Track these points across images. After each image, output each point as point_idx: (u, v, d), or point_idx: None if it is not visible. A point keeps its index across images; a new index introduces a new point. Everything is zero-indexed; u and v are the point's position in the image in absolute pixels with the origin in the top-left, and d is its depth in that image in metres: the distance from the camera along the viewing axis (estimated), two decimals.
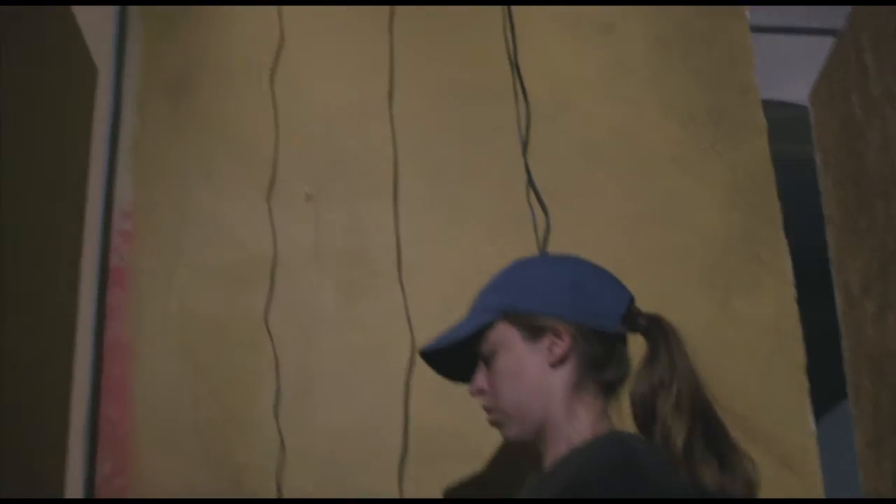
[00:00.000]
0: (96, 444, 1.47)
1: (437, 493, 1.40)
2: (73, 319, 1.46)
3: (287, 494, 1.40)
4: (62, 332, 1.44)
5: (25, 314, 1.34)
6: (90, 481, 1.47)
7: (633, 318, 1.05)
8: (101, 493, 1.46)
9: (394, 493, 1.40)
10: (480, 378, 1.09)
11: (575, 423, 1.02)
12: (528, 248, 1.48)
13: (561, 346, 1.02)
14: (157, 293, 1.49)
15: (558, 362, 1.02)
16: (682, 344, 1.01)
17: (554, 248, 1.47)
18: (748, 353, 1.47)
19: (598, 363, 1.03)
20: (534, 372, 1.03)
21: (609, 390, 1.04)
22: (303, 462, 1.41)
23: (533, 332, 1.04)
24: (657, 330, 1.02)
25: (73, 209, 1.49)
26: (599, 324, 1.03)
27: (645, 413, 0.97)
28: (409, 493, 1.40)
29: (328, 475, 1.40)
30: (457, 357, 1.11)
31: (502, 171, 1.52)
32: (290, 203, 1.51)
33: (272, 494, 1.40)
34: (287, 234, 1.50)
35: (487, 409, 1.08)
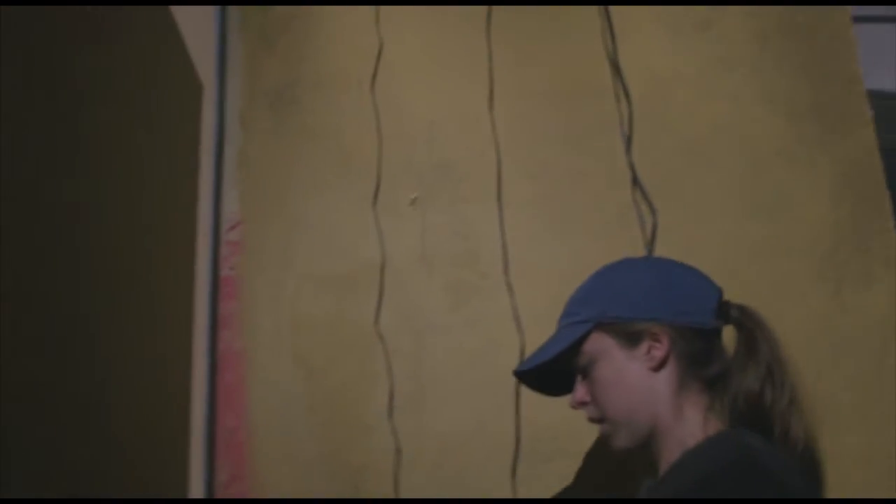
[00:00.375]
0: (214, 451, 1.49)
1: (550, 493, 1.40)
2: (189, 329, 1.49)
3: (404, 496, 1.40)
4: (180, 342, 1.47)
5: (146, 325, 1.38)
6: (209, 489, 1.49)
7: (726, 311, 1.04)
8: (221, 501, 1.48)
9: (507, 493, 1.40)
10: (581, 390, 1.08)
11: (685, 424, 1.00)
12: (635, 246, 1.48)
13: (660, 349, 1.01)
14: (267, 301, 1.52)
15: (659, 365, 1.01)
16: (775, 337, 1.00)
17: (662, 244, 1.47)
18: (860, 345, 1.45)
19: (700, 360, 1.02)
20: (635, 378, 1.02)
21: (712, 386, 1.02)
22: (418, 464, 1.42)
23: (629, 338, 1.03)
24: (751, 320, 1.01)
25: (186, 222, 1.53)
26: (695, 321, 1.02)
27: (753, 409, 0.96)
28: (523, 493, 1.40)
29: (442, 476, 1.41)
30: (552, 371, 1.10)
31: (606, 169, 1.52)
32: (396, 208, 1.53)
33: (389, 496, 1.41)
34: (394, 239, 1.51)
35: (593, 420, 1.07)
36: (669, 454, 1.00)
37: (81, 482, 1.12)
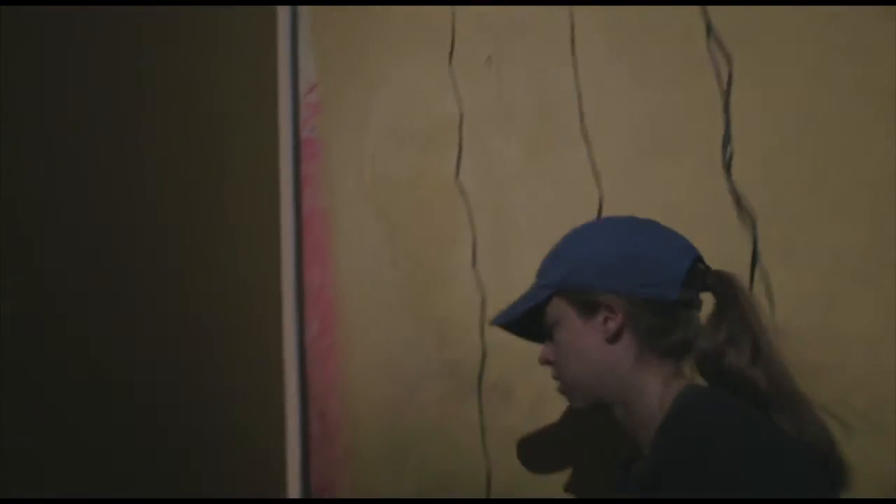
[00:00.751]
0: (304, 307, 1.56)
1: None
2: (275, 190, 1.54)
3: (489, 346, 1.45)
4: (268, 204, 1.52)
5: (234, 189, 1.42)
6: (301, 342, 1.56)
7: (699, 279, 1.03)
8: (311, 352, 1.56)
9: None
10: (546, 350, 1.10)
11: (645, 394, 1.02)
12: (711, 96, 1.48)
13: (615, 322, 1.02)
14: (348, 160, 1.56)
15: (614, 337, 1.02)
16: (752, 301, 0.99)
17: (738, 92, 1.46)
18: None
19: (661, 332, 1.02)
20: (591, 347, 1.04)
21: (679, 353, 1.03)
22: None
23: (587, 308, 1.04)
24: (724, 288, 1.01)
25: (266, 87, 1.56)
26: (657, 293, 1.02)
27: (712, 370, 0.97)
28: None
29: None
30: (533, 322, 1.12)
31: (681, 20, 1.52)
32: (472, 66, 1.55)
33: (475, 347, 1.46)
34: (471, 96, 1.53)
35: (555, 378, 1.10)
36: (637, 423, 1.02)
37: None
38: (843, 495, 0.94)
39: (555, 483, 1.35)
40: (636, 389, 1.03)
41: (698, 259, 1.05)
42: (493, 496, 1.37)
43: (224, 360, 1.42)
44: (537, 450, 1.38)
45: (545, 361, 1.11)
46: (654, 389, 1.01)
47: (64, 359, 1.08)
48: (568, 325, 1.06)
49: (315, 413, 1.55)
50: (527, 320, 1.12)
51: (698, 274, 1.03)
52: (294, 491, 1.50)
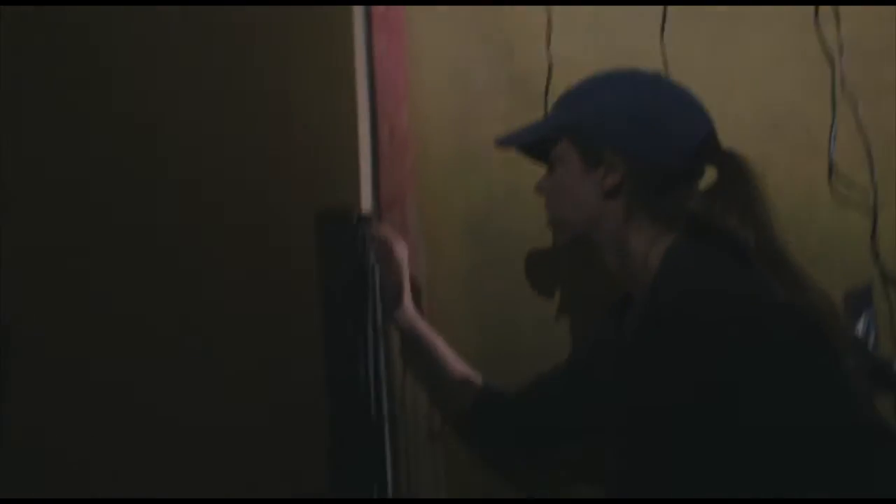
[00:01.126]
0: (371, 22, 1.48)
1: None
2: None
3: (556, 59, 1.55)
4: None
5: None
6: (370, 55, 1.50)
7: (708, 154, 1.06)
8: (380, 66, 1.50)
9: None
10: (546, 180, 1.15)
11: (630, 250, 1.07)
12: None
13: (613, 178, 1.06)
14: None
15: (610, 193, 1.06)
16: (757, 185, 1.03)
17: None
18: None
19: (657, 196, 1.06)
20: (585, 195, 1.08)
21: (671, 218, 1.06)
22: (570, 27, 1.56)
23: (590, 158, 1.07)
24: (731, 167, 1.04)
25: None
26: (662, 160, 1.05)
27: (702, 230, 1.02)
28: None
29: (593, 39, 1.57)
30: (541, 147, 1.17)
31: None
32: None
33: (542, 60, 1.55)
34: None
35: (547, 209, 1.17)
36: (627, 275, 1.09)
37: None
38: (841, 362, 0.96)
39: None
40: (622, 244, 1.07)
41: (711, 133, 1.08)
42: None
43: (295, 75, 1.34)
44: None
45: (540, 190, 1.16)
46: (640, 248, 1.06)
47: None
48: (569, 168, 1.09)
49: (384, 127, 1.52)
50: (535, 145, 1.17)
51: (708, 148, 1.06)
52: (366, 202, 1.49)
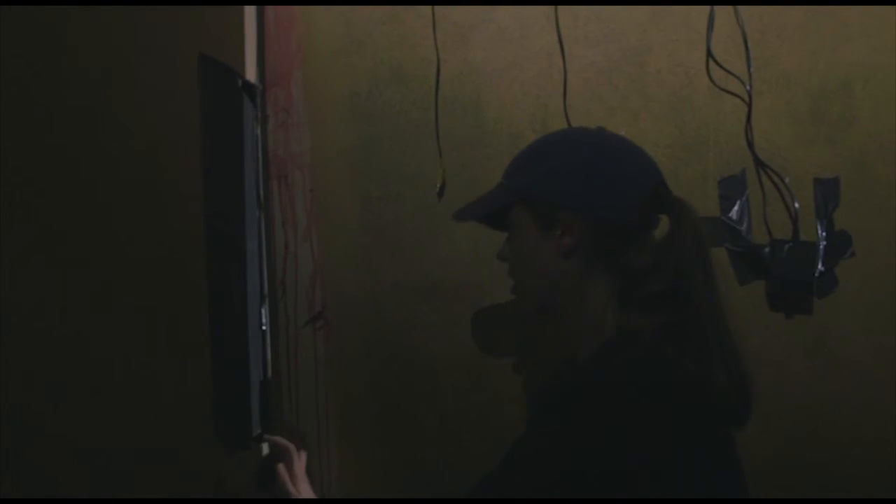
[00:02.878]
0: None
1: None
2: None
3: None
4: None
5: None
6: None
7: (658, 203, 1.06)
8: None
9: None
10: (505, 248, 1.16)
11: (588, 313, 1.06)
12: None
13: (571, 239, 1.05)
14: None
15: (568, 253, 1.06)
16: (703, 233, 1.04)
17: None
18: None
19: (615, 253, 1.05)
20: (544, 259, 1.07)
21: (630, 278, 1.05)
22: None
23: (545, 220, 1.07)
24: (681, 215, 1.04)
25: None
26: (615, 215, 1.05)
27: (665, 303, 1.01)
28: None
29: None
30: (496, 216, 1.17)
31: None
32: None
33: None
34: None
35: (510, 275, 1.16)
36: (573, 338, 1.10)
37: None
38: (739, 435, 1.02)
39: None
40: (579, 305, 1.07)
41: (661, 182, 1.09)
42: (441, 88, 1.59)
43: None
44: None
45: (502, 258, 1.16)
46: (598, 309, 1.05)
47: None
48: (525, 233, 1.09)
49: (269, 8, 1.55)
50: (490, 215, 1.18)
51: (659, 197, 1.06)
52: (251, 74, 1.52)
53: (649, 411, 0.93)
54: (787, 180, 1.52)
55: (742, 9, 1.52)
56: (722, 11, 1.53)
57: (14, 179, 0.82)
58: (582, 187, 1.06)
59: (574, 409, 0.94)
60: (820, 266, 1.50)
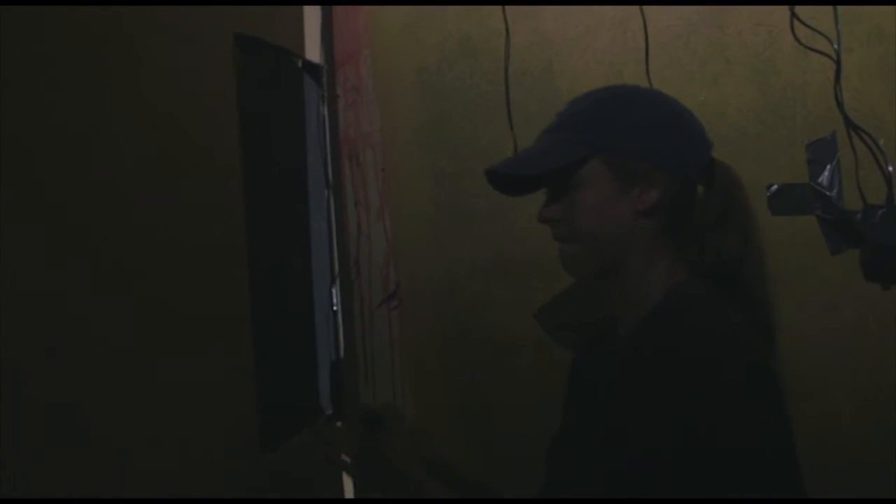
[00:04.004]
0: None
1: None
2: None
3: None
4: None
5: None
6: None
7: (712, 167, 1.03)
8: None
9: None
10: (554, 208, 1.05)
11: (652, 272, 1.02)
12: None
13: (653, 196, 1.00)
14: None
15: (646, 211, 1.01)
16: (749, 199, 1.04)
17: None
18: None
19: (684, 213, 1.02)
20: (619, 216, 1.01)
21: (685, 238, 1.03)
22: None
23: (626, 175, 1.01)
24: (732, 181, 1.03)
25: None
26: (693, 172, 1.02)
27: (726, 270, 1.00)
28: None
29: None
30: (532, 178, 1.08)
31: None
32: None
33: None
34: None
35: (558, 239, 1.06)
36: (630, 298, 1.04)
37: None
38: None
39: None
40: (646, 263, 1.02)
41: (712, 147, 1.06)
42: (511, 60, 1.57)
43: None
44: None
45: (549, 219, 1.06)
46: (662, 270, 1.02)
47: None
48: (598, 189, 1.02)
49: None
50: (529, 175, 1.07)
51: (711, 161, 1.04)
52: (314, 55, 1.53)
53: (748, 349, 0.93)
54: (880, 142, 1.45)
55: None
56: None
57: (74, 163, 0.84)
58: (669, 139, 1.02)
59: (685, 355, 0.91)
60: None
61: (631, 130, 1.02)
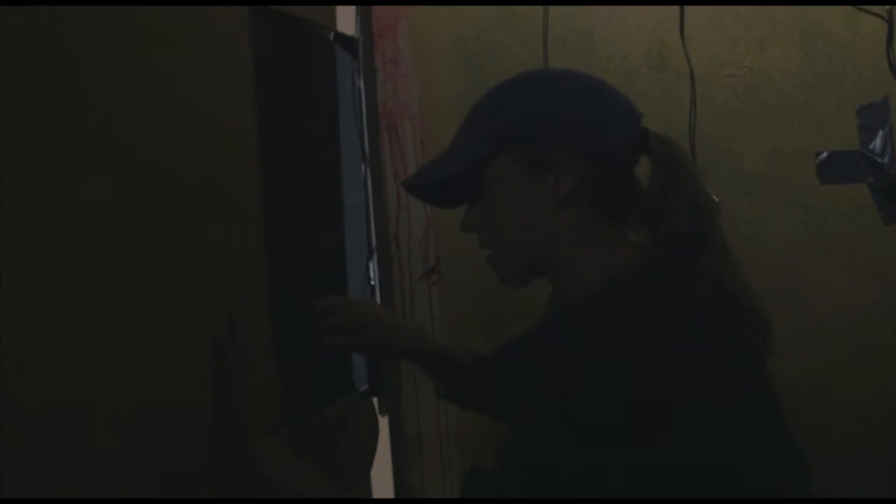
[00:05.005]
0: None
1: None
2: None
3: None
4: None
5: None
6: None
7: (644, 141, 0.94)
8: None
9: None
10: (473, 215, 0.99)
11: (587, 263, 0.94)
12: None
13: (567, 183, 0.92)
14: None
15: (565, 200, 0.93)
16: (696, 168, 0.96)
17: None
18: None
19: (611, 195, 0.94)
20: (536, 211, 0.94)
21: (625, 217, 0.96)
22: None
23: (535, 166, 0.93)
24: (672, 153, 0.94)
25: None
26: (609, 152, 0.93)
27: (682, 244, 0.92)
28: None
29: None
30: (445, 185, 1.00)
31: None
32: None
33: None
34: None
35: (484, 246, 1.00)
36: (569, 291, 0.97)
37: None
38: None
39: None
40: (576, 255, 0.95)
41: (640, 118, 0.97)
42: (551, 28, 1.55)
43: None
44: None
45: (470, 227, 1.00)
46: (598, 258, 0.94)
47: None
48: (509, 186, 0.95)
49: None
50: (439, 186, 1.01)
51: (643, 135, 0.95)
52: (349, 27, 1.53)
53: (706, 310, 0.86)
54: None
55: None
56: None
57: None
58: (574, 122, 0.92)
59: (633, 310, 0.84)
60: None
61: (534, 117, 0.94)
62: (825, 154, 1.47)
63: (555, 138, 0.92)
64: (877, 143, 1.45)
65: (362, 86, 1.53)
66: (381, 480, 1.54)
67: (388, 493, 1.55)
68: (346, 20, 1.52)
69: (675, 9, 1.49)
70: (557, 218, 0.94)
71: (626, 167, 0.95)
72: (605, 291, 0.91)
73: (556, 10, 1.54)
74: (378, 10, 1.55)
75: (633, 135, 0.94)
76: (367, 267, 1.54)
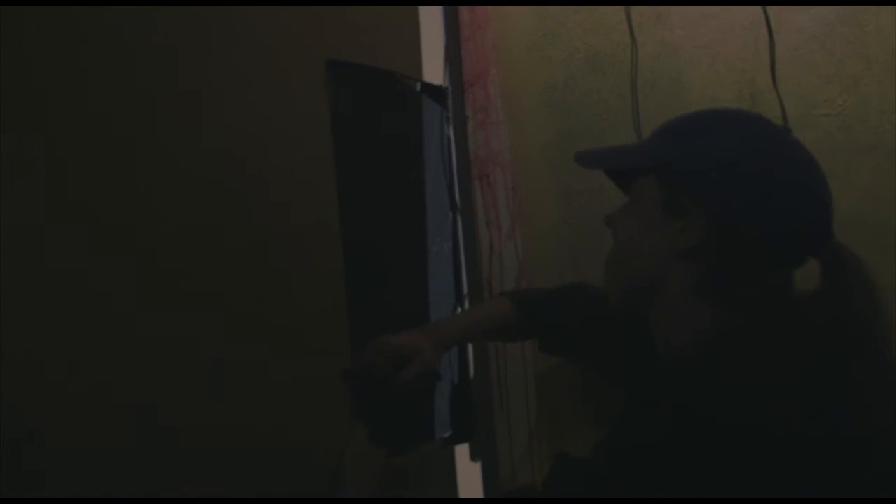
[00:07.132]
0: None
1: None
2: None
3: None
4: None
5: None
6: None
7: (816, 240, 0.86)
8: None
9: None
10: (619, 212, 0.99)
11: (687, 324, 0.89)
12: None
13: (691, 235, 0.87)
14: None
15: (686, 253, 0.87)
16: (874, 293, 0.86)
17: None
18: None
19: (740, 271, 0.86)
20: (655, 247, 0.91)
21: (751, 307, 0.87)
22: None
23: (672, 205, 0.89)
24: (839, 265, 0.86)
25: None
26: (759, 223, 0.85)
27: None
28: None
29: None
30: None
31: None
32: None
33: None
34: None
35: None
36: (665, 329, 0.93)
37: None
38: None
39: None
40: (677, 319, 0.90)
41: (828, 214, 0.88)
42: (640, 72, 1.60)
43: None
44: None
45: (609, 224, 1.00)
46: (697, 326, 0.87)
47: None
48: (644, 209, 0.93)
49: (463, 7, 1.64)
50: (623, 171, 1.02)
51: (818, 233, 0.86)
52: (436, 76, 1.61)
53: None
54: None
55: None
56: None
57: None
58: (725, 176, 0.86)
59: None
60: None
61: (690, 155, 0.90)
62: None
63: (695, 184, 0.88)
64: None
65: (452, 134, 1.60)
66: None
67: None
68: (432, 70, 1.60)
69: (766, 48, 1.53)
70: (669, 266, 0.90)
71: (776, 252, 0.87)
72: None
73: (644, 54, 1.59)
74: (469, 59, 1.61)
75: (799, 219, 0.86)
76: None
